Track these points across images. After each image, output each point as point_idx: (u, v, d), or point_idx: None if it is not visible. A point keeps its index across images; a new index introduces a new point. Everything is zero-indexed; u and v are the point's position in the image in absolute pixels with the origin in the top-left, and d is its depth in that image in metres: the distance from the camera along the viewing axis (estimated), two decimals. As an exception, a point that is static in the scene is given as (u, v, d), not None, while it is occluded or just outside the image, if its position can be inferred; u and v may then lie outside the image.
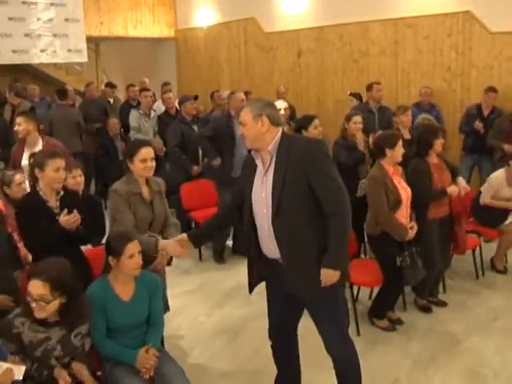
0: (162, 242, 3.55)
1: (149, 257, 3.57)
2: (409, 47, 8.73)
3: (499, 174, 5.74)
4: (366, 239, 5.07)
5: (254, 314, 4.81)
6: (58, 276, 2.87)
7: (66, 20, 10.37)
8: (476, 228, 5.77)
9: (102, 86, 10.63)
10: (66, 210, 3.44)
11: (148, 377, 3.15)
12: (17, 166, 5.27)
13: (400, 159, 4.52)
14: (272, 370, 3.60)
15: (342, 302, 3.24)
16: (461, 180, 5.02)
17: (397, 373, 4.06)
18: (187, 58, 12.75)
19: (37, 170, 3.54)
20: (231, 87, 8.85)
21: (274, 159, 3.01)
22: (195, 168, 6.78)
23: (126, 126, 8.04)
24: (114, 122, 7.91)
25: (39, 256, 3.44)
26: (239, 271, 5.22)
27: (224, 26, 11.65)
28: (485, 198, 5.74)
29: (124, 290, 3.33)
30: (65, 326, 2.99)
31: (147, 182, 3.90)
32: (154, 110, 8.06)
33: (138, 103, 8.26)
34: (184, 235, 3.38)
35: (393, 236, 4.40)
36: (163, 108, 8.15)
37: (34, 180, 3.65)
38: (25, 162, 4.97)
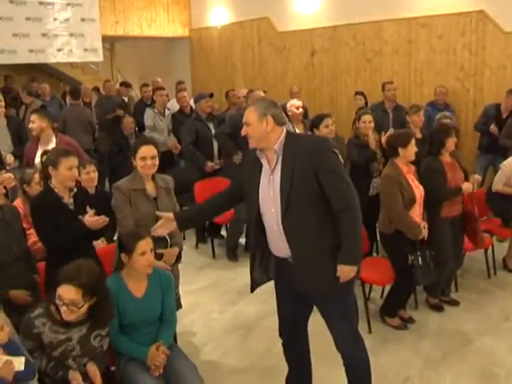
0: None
1: (155, 255, 3.62)
2: (422, 47, 8.72)
3: None
4: (378, 238, 5.09)
5: (266, 312, 4.84)
6: (89, 280, 2.89)
7: (82, 20, 10.48)
8: (489, 227, 5.77)
9: (117, 85, 10.71)
10: (92, 211, 3.51)
11: (158, 374, 3.19)
12: (30, 164, 5.32)
13: (413, 158, 4.54)
14: (283, 368, 3.62)
15: (352, 298, 3.26)
16: (475, 176, 5.03)
17: (408, 371, 4.07)
18: (201, 57, 12.79)
19: (50, 168, 3.57)
20: (245, 87, 8.89)
21: (280, 158, 3.01)
22: (209, 164, 6.78)
23: (140, 125, 8.11)
24: (128, 121, 7.97)
25: (55, 251, 3.51)
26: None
27: (238, 25, 11.69)
28: (497, 185, 5.73)
29: (137, 286, 3.37)
30: (90, 325, 3.00)
31: (153, 178, 3.99)
32: (169, 109, 8.11)
33: (152, 102, 8.32)
34: (170, 215, 3.31)
35: (406, 234, 4.41)
36: (177, 106, 8.18)
37: (45, 177, 3.69)
38: (38, 159, 5.01)
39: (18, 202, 4.46)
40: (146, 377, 3.17)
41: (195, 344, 4.56)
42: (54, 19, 10.12)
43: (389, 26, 9.07)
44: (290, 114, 6.24)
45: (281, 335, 3.50)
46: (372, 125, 5.59)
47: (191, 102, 7.98)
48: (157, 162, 3.95)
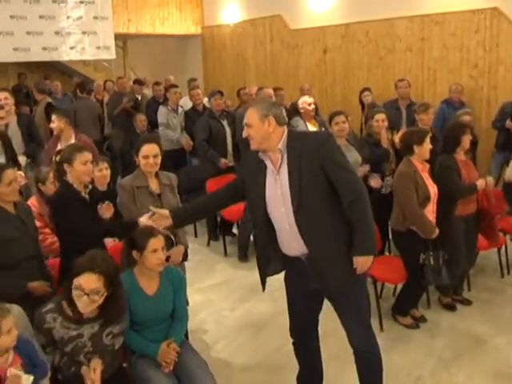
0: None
1: None
2: (435, 44, 8.67)
3: None
4: (390, 236, 5.07)
5: (277, 310, 4.82)
6: (109, 268, 2.93)
7: (95, 18, 10.55)
8: (503, 226, 5.70)
9: (130, 83, 10.75)
10: (106, 202, 3.78)
11: (168, 371, 3.19)
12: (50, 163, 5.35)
13: (428, 156, 4.50)
14: (294, 366, 3.62)
15: (365, 293, 3.27)
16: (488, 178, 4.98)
17: (420, 370, 4.05)
18: (213, 54, 12.80)
19: (65, 165, 3.64)
20: (257, 84, 8.88)
21: (285, 157, 3.01)
22: (223, 161, 6.76)
23: (152, 123, 8.13)
24: (141, 119, 7.98)
25: (72, 248, 3.51)
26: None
27: (250, 23, 11.69)
28: (510, 176, 5.71)
29: (149, 284, 3.38)
30: (102, 321, 3.00)
31: (157, 175, 4.04)
32: (181, 106, 8.12)
33: (165, 100, 8.33)
34: (166, 212, 3.33)
35: (419, 233, 4.39)
36: (190, 104, 8.17)
37: (60, 175, 3.73)
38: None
39: (33, 201, 4.48)
40: (157, 373, 3.18)
41: (206, 341, 4.57)
42: (67, 17, 10.20)
43: (401, 23, 9.03)
44: (301, 110, 6.23)
45: (291, 334, 3.49)
46: (386, 123, 5.51)
47: (206, 100, 7.99)
48: (159, 160, 4.00)
